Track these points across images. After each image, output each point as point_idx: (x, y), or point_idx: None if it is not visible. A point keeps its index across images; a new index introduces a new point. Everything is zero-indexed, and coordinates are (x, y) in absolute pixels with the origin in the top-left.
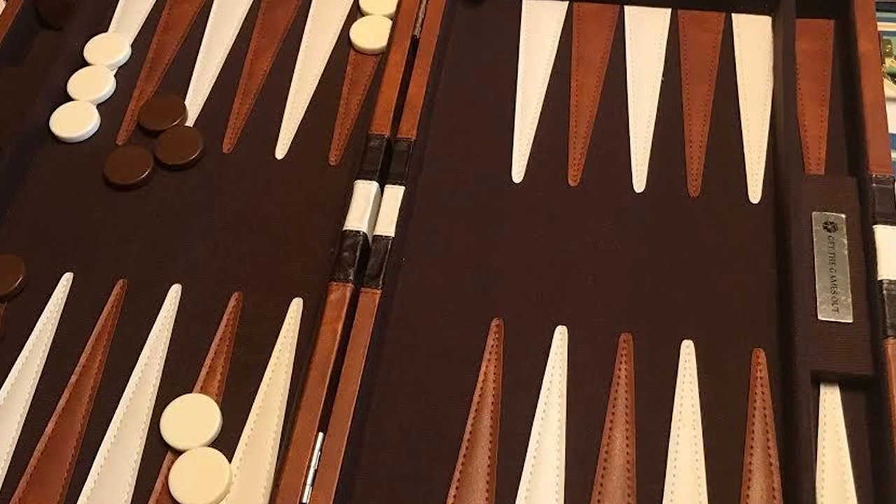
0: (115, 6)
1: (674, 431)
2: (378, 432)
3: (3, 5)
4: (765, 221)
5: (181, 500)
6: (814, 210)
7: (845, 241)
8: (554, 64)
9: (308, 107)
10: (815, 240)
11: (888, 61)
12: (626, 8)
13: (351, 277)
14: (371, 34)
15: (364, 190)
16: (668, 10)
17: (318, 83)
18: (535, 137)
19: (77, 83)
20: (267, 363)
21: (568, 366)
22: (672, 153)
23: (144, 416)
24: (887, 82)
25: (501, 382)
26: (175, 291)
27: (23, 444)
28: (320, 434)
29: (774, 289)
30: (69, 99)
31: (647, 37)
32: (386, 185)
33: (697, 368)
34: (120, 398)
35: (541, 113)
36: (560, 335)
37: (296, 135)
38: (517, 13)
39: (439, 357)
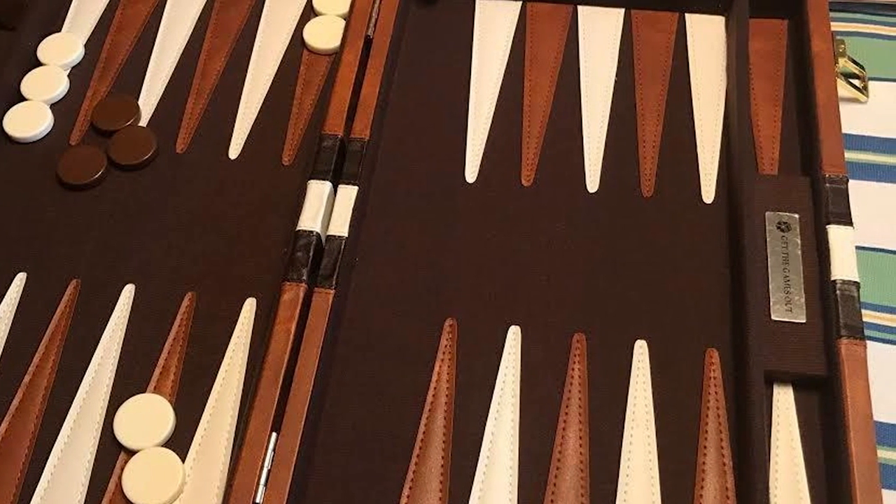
0: (69, 6)
1: (627, 431)
2: (331, 432)
3: None
4: (718, 221)
5: (135, 500)
6: (767, 210)
7: (799, 241)
8: (507, 64)
9: (261, 107)
10: (768, 240)
11: (842, 61)
12: (580, 8)
13: (304, 277)
14: (324, 34)
15: (317, 190)
16: (622, 10)
17: (272, 83)
18: (488, 137)
19: (30, 83)
20: (220, 363)
21: (521, 366)
22: (625, 153)
23: (98, 416)
24: (841, 82)
25: (455, 382)
26: (128, 291)
27: None
28: (274, 434)
29: (728, 289)
30: (22, 99)
31: (600, 37)
32: (339, 185)
33: (651, 368)
34: (73, 398)
35: (494, 113)
36: (513, 335)
37: (249, 135)
38: (470, 13)
39: (393, 357)
